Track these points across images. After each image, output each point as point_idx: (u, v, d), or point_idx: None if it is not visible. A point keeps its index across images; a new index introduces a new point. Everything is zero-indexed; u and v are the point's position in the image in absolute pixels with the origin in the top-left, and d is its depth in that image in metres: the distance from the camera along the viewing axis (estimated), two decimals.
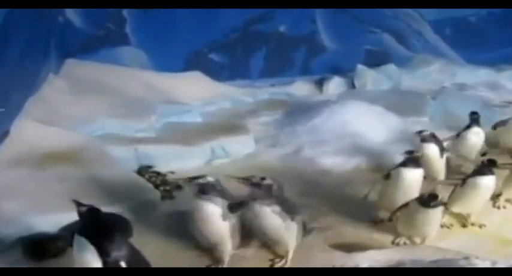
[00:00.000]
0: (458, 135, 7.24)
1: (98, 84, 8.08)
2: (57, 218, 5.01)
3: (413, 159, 5.73)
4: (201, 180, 4.73)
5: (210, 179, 4.79)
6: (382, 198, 5.80)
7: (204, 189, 4.69)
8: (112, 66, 8.87)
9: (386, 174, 5.75)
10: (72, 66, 8.43)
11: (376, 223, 5.61)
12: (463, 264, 4.30)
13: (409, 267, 4.28)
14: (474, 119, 7.21)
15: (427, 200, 5.02)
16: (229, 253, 4.69)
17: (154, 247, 4.78)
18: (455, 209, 5.76)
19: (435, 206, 5.00)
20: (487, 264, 4.29)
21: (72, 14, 9.37)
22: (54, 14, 8.80)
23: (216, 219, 4.64)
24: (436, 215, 5.12)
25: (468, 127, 7.19)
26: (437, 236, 5.33)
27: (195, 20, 10.39)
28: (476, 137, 7.16)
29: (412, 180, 5.65)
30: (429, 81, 10.93)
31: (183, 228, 5.08)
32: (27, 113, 6.63)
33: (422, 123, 8.54)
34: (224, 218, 4.66)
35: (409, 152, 5.79)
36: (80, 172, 5.81)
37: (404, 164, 5.71)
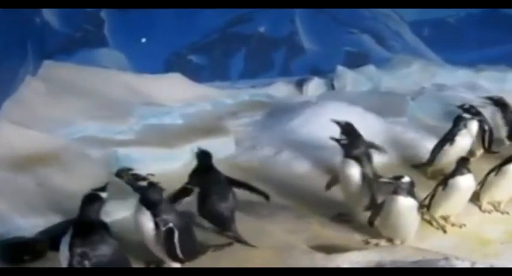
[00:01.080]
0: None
1: (76, 86, 8.00)
2: (36, 221, 4.96)
3: (465, 165, 5.85)
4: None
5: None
6: (438, 208, 5.84)
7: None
8: (90, 68, 8.78)
9: (443, 182, 5.83)
10: (50, 67, 8.34)
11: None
12: (443, 264, 4.33)
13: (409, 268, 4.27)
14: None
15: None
16: None
17: (134, 249, 4.75)
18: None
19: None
20: (466, 264, 4.33)
21: (49, 15, 9.26)
22: (31, 15, 8.71)
23: None
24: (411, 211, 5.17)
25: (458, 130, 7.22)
26: (417, 236, 5.37)
27: (174, 22, 10.34)
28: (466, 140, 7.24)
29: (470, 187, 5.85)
30: (409, 82, 10.98)
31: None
32: (4, 115, 6.55)
33: (402, 123, 8.60)
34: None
35: (463, 159, 5.90)
36: (58, 175, 5.75)
37: (459, 172, 5.82)
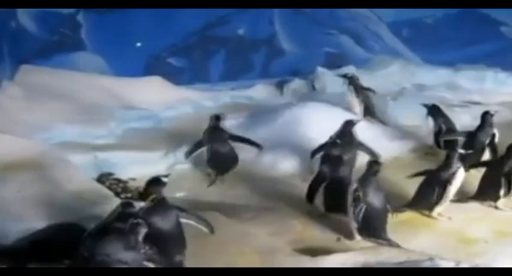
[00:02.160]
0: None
1: (54, 91, 7.91)
2: (16, 228, 4.88)
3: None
4: None
5: None
6: None
7: None
8: (69, 72, 8.68)
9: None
10: (27, 72, 8.23)
11: None
12: (428, 265, 4.33)
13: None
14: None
15: None
16: None
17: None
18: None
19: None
20: (451, 264, 4.33)
21: (25, 19, 9.16)
22: (7, 20, 8.61)
23: None
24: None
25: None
26: (401, 237, 5.37)
27: (152, 24, 10.28)
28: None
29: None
30: (389, 82, 10.99)
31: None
32: None
33: (382, 124, 8.62)
34: None
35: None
36: (38, 181, 5.65)
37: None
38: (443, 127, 7.80)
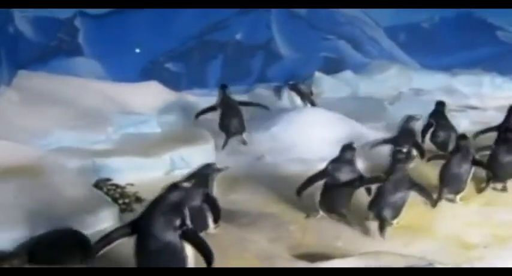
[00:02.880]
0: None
1: (52, 96, 7.88)
2: (14, 234, 4.85)
3: None
4: None
5: None
6: None
7: None
8: (66, 77, 8.66)
9: None
10: (25, 77, 8.21)
11: None
12: None
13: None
14: None
15: None
16: None
17: (116, 262, 4.67)
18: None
19: None
20: None
21: (22, 24, 9.14)
22: (4, 24, 8.59)
23: None
24: None
25: None
26: (401, 242, 5.36)
27: (149, 29, 10.27)
28: None
29: None
30: (386, 87, 11.04)
31: None
32: None
33: (380, 128, 8.61)
34: None
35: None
36: (36, 187, 5.62)
37: None
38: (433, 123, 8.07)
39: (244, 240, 5.11)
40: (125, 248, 4.40)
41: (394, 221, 5.80)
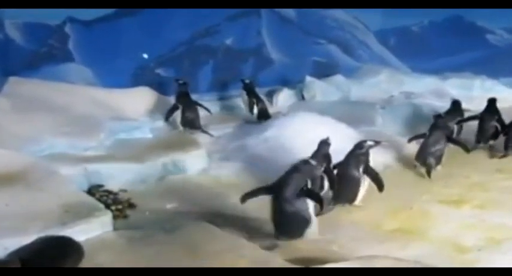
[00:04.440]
0: None
1: (43, 102, 7.84)
2: (5, 242, 4.80)
3: None
4: None
5: None
6: None
7: None
8: (57, 84, 8.62)
9: None
10: (16, 84, 8.17)
11: None
12: None
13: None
14: None
15: None
16: None
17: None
18: None
19: None
20: None
21: (12, 31, 9.09)
22: None
23: None
24: None
25: None
26: (396, 245, 5.37)
27: (140, 35, 10.24)
28: None
29: None
30: (377, 91, 11.07)
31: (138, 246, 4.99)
32: None
33: (373, 132, 8.62)
34: None
35: None
36: (28, 194, 5.59)
37: None
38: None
39: (239, 246, 5.08)
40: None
41: (438, 167, 7.66)
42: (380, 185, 6.38)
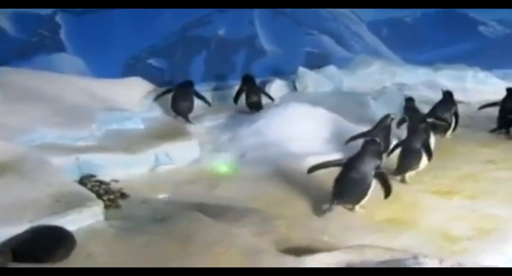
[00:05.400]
0: None
1: (34, 93, 7.81)
2: None
3: None
4: None
5: None
6: None
7: None
8: (48, 74, 8.58)
9: None
10: (6, 74, 8.13)
11: None
12: (411, 263, 4.33)
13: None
14: None
15: None
16: None
17: (99, 259, 4.65)
18: None
19: None
20: (435, 262, 4.33)
21: (3, 20, 9.02)
22: None
23: None
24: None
25: None
26: (386, 236, 5.40)
27: (131, 25, 10.19)
28: None
29: None
30: (370, 82, 11.07)
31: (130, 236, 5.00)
32: None
33: (364, 123, 8.63)
34: None
35: None
36: (18, 184, 5.57)
37: None
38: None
39: (230, 235, 5.10)
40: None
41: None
42: (430, 157, 7.12)
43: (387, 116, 7.81)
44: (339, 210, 6.15)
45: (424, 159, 7.10)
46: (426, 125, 7.43)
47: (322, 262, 4.63)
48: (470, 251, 5.30)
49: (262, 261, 4.67)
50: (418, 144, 7.12)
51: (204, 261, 4.63)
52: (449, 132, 8.63)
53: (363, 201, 6.15)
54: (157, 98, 9.07)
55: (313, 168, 6.45)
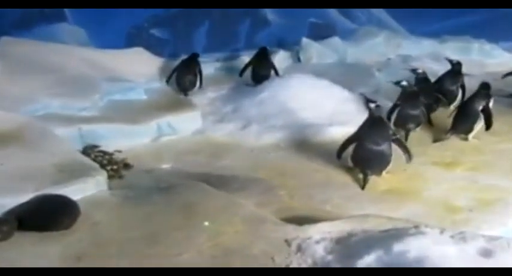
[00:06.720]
0: None
1: (36, 63, 7.79)
2: (1, 201, 4.83)
3: None
4: None
5: None
6: None
7: None
8: (51, 44, 8.56)
9: None
10: (8, 44, 8.11)
11: None
12: (413, 232, 4.35)
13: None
14: None
15: None
16: None
17: (104, 228, 4.68)
18: None
19: None
20: (436, 232, 4.35)
21: None
22: None
23: None
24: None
25: None
26: (388, 206, 5.42)
27: None
28: None
29: None
30: (374, 53, 10.99)
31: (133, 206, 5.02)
32: None
33: (368, 94, 8.57)
34: None
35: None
36: (22, 154, 5.60)
37: None
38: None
39: (233, 205, 5.12)
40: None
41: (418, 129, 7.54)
42: (489, 125, 7.34)
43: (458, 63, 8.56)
44: (341, 181, 6.18)
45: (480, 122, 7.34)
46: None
47: (324, 231, 4.66)
48: (472, 221, 5.33)
49: (264, 230, 4.71)
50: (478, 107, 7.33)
51: (207, 230, 4.67)
52: (454, 104, 8.55)
53: (388, 167, 6.33)
54: (168, 80, 8.89)
55: (339, 152, 6.44)
